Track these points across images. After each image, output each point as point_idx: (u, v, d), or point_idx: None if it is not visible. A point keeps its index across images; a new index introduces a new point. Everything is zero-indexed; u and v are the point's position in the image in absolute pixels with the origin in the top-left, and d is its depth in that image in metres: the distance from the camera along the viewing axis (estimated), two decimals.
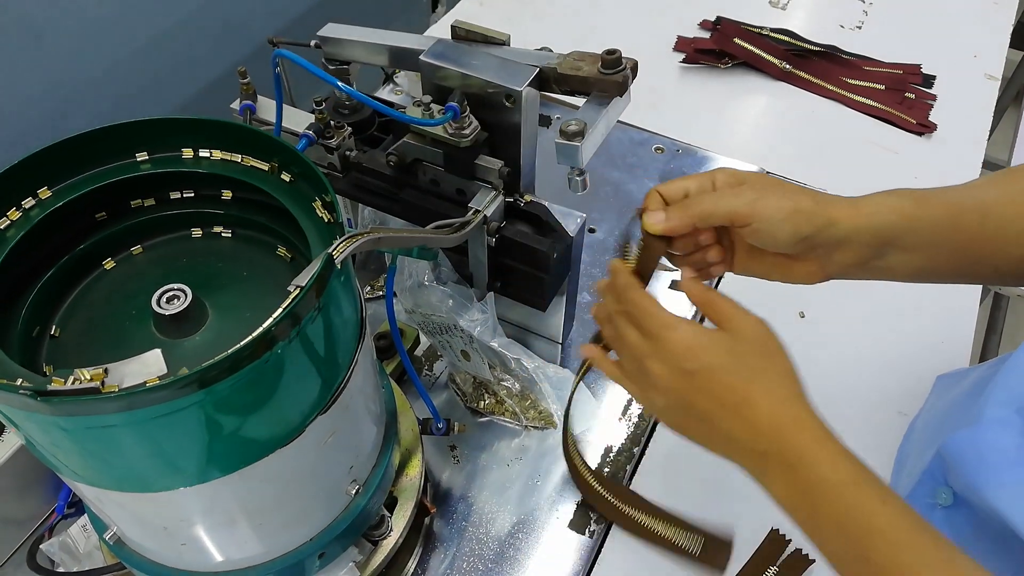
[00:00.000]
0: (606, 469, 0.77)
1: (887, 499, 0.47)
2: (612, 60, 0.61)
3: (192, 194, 0.55)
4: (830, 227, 0.55)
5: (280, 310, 0.40)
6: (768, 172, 1.07)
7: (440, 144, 0.64)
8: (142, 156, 0.52)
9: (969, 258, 0.59)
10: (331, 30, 0.71)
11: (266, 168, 0.52)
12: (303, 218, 0.49)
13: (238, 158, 0.53)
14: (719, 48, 1.22)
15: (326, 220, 0.49)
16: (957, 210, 0.58)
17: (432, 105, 0.62)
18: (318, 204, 0.50)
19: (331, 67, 0.73)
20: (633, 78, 0.63)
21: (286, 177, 0.52)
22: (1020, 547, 0.50)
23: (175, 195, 0.55)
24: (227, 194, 0.54)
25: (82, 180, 0.51)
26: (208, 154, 0.53)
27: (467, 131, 0.62)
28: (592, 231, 0.99)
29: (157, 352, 0.41)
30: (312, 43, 0.72)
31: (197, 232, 0.56)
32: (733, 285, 0.93)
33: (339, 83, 0.60)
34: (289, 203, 0.50)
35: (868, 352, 0.87)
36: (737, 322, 0.53)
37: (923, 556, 0.45)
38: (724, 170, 0.58)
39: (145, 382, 0.38)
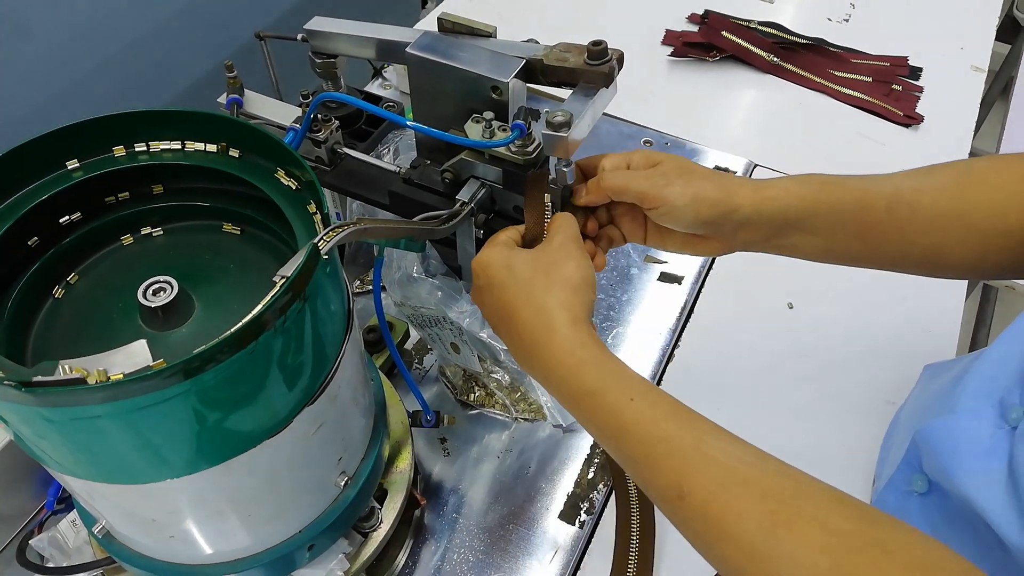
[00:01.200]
0: (596, 459, 0.78)
1: (635, 396, 0.49)
2: (598, 51, 0.61)
3: (178, 187, 0.54)
4: (731, 212, 0.58)
5: (265, 300, 0.41)
6: (756, 164, 1.07)
7: (500, 162, 0.62)
8: (124, 149, 0.52)
9: (873, 242, 0.61)
10: (318, 23, 0.71)
11: (251, 159, 0.52)
12: (288, 209, 0.49)
13: (221, 150, 0.53)
14: (707, 41, 1.22)
15: (293, 187, 0.49)
16: (865, 196, 0.60)
17: (494, 122, 0.61)
18: (281, 173, 0.50)
19: (318, 60, 0.73)
20: (619, 69, 0.63)
21: (271, 168, 0.52)
22: (991, 534, 0.51)
23: (161, 188, 0.55)
24: (215, 186, 0.54)
25: (67, 173, 0.51)
26: (194, 147, 0.53)
27: (531, 148, 0.61)
28: None
29: (142, 342, 0.41)
30: (299, 37, 0.72)
31: (185, 225, 0.56)
32: (725, 277, 0.94)
33: (408, 123, 0.61)
34: (274, 194, 0.50)
35: (856, 341, 0.88)
36: (545, 240, 0.58)
37: (674, 444, 0.47)
38: (640, 151, 0.62)
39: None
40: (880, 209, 0.60)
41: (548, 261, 0.55)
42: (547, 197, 0.60)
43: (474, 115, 0.62)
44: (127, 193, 0.54)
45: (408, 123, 0.61)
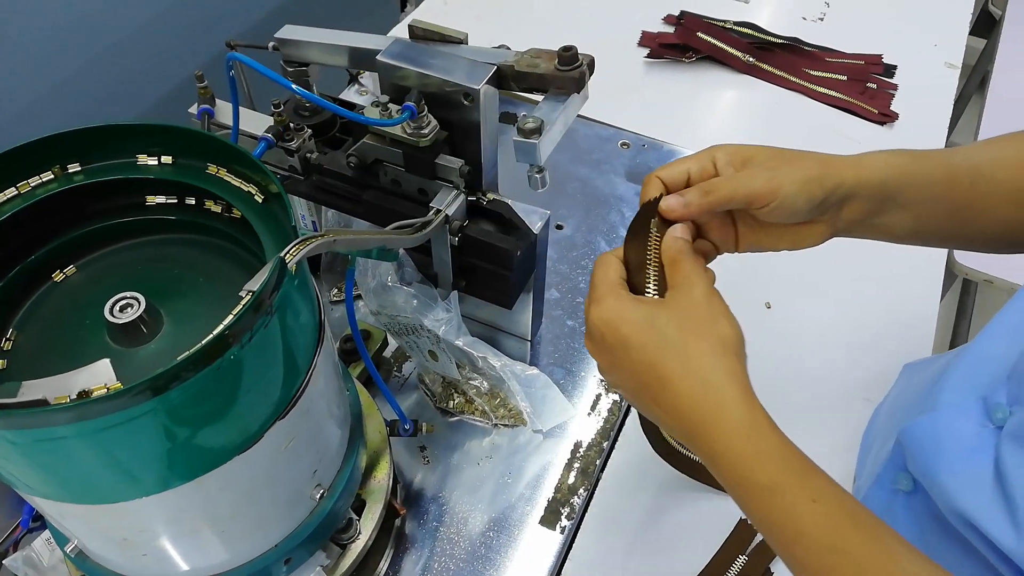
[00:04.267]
0: (576, 464, 0.77)
1: (818, 497, 0.45)
2: (568, 57, 0.61)
3: (145, 201, 0.54)
4: (838, 188, 0.54)
5: (231, 316, 0.40)
6: None
7: (400, 144, 0.64)
8: (89, 164, 0.52)
9: (960, 217, 0.59)
10: (288, 31, 0.71)
11: (215, 171, 0.52)
12: (256, 222, 0.49)
13: (190, 163, 0.52)
14: (683, 43, 1.22)
15: (260, 200, 0.49)
16: (951, 169, 0.58)
17: (390, 105, 0.62)
18: (250, 186, 0.50)
19: (290, 69, 0.73)
20: (590, 74, 0.63)
21: (236, 181, 0.51)
22: (975, 534, 0.51)
23: (129, 202, 0.54)
24: (183, 200, 0.54)
25: (33, 189, 0.50)
26: (160, 160, 0.52)
27: (426, 130, 0.62)
28: (560, 227, 0.99)
29: (106, 362, 0.41)
30: (270, 45, 0.71)
31: (153, 239, 0.55)
32: None
33: (293, 85, 0.60)
34: (242, 206, 0.50)
35: (832, 340, 0.88)
36: (679, 288, 0.51)
37: (851, 556, 0.43)
38: (722, 147, 0.56)
39: (92, 391, 0.38)
40: (965, 183, 0.58)
41: (698, 318, 0.49)
42: (654, 224, 0.53)
43: (374, 100, 0.62)
44: (96, 208, 0.53)
45: (293, 87, 0.60)
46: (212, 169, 0.52)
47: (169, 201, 0.54)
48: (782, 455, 0.46)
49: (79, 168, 0.52)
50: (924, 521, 0.57)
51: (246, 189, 0.51)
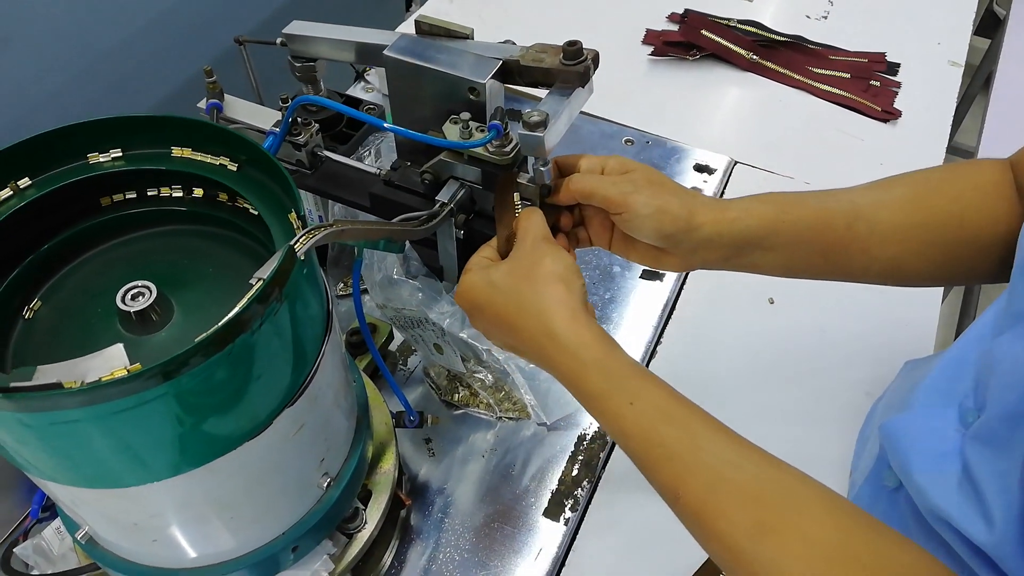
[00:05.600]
0: (580, 456, 0.78)
1: (635, 400, 0.50)
2: (573, 51, 0.62)
3: (157, 192, 0.55)
4: (693, 230, 0.59)
5: (241, 303, 0.41)
6: (737, 162, 1.08)
7: (479, 162, 0.63)
8: (105, 156, 0.53)
9: (835, 258, 0.62)
10: (296, 27, 0.71)
11: (228, 164, 0.52)
12: (266, 212, 0.50)
13: (202, 155, 0.53)
14: (687, 40, 1.23)
15: (271, 191, 0.50)
16: (824, 214, 0.61)
17: (471, 123, 0.61)
18: (260, 176, 0.51)
19: (297, 64, 0.73)
20: (595, 69, 0.64)
21: (250, 172, 0.52)
22: (949, 531, 0.52)
23: (139, 194, 0.55)
24: (196, 191, 0.55)
25: (46, 179, 0.51)
26: (173, 151, 0.53)
27: (508, 148, 0.61)
28: None
29: (119, 346, 0.41)
30: (278, 41, 0.72)
31: (164, 229, 0.56)
32: (706, 273, 0.95)
33: (386, 125, 0.61)
34: (252, 197, 0.50)
35: (836, 335, 0.89)
36: (516, 244, 0.58)
37: (670, 449, 0.49)
38: (616, 157, 0.63)
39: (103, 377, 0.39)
40: (840, 227, 0.61)
41: (526, 264, 0.56)
42: (516, 197, 0.61)
43: (452, 116, 0.62)
44: (107, 199, 0.54)
45: (385, 126, 0.61)
46: (224, 162, 0.53)
47: (182, 192, 0.54)
48: (603, 366, 0.52)
49: (100, 158, 0.52)
50: (908, 518, 0.58)
51: (218, 163, 0.52)
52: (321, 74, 0.74)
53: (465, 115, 0.61)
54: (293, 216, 0.49)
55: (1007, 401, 0.48)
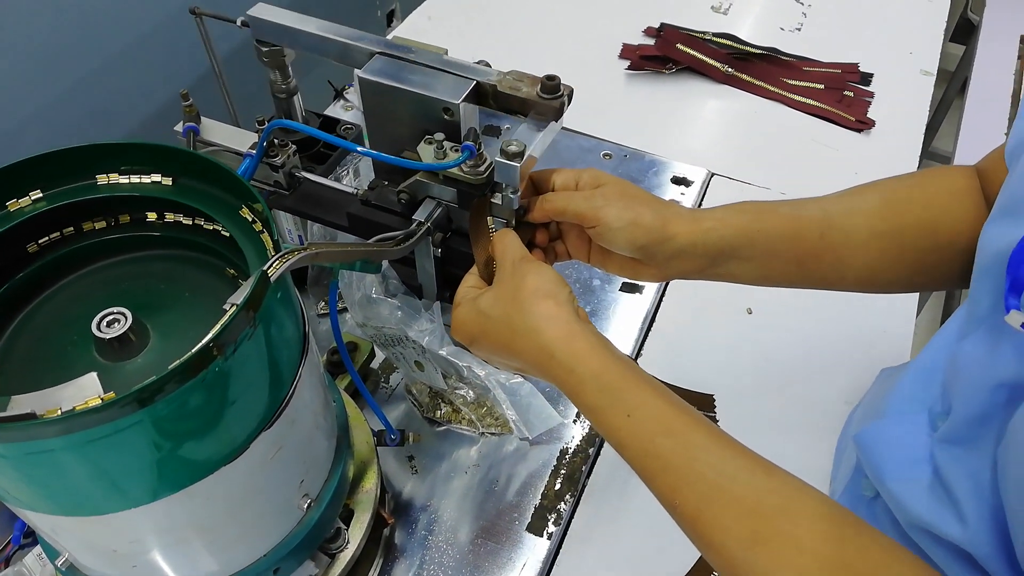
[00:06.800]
0: (562, 471, 0.78)
1: (632, 412, 0.51)
2: (552, 86, 0.62)
3: (130, 217, 0.55)
4: (667, 241, 0.60)
5: (214, 329, 0.41)
6: (715, 173, 1.09)
7: (454, 182, 0.63)
8: (74, 183, 0.53)
9: (809, 267, 0.63)
10: (260, 11, 0.70)
11: (163, 180, 0.53)
12: (240, 236, 0.50)
13: (172, 180, 0.53)
14: (663, 54, 1.24)
15: (248, 219, 0.50)
16: (798, 223, 0.62)
17: (445, 143, 0.62)
18: (245, 211, 0.51)
19: (264, 49, 0.73)
20: (568, 104, 0.64)
21: (187, 182, 0.53)
22: (924, 536, 0.52)
23: (114, 220, 0.55)
24: (169, 216, 0.55)
25: (23, 208, 0.51)
26: (143, 178, 0.53)
27: (482, 168, 0.62)
28: None
29: (93, 375, 0.41)
30: (239, 21, 0.70)
31: (139, 255, 0.56)
32: (685, 284, 0.96)
33: (359, 149, 0.62)
34: (226, 221, 0.51)
35: (814, 344, 0.90)
36: (497, 269, 0.59)
37: (667, 461, 0.49)
38: (591, 170, 0.64)
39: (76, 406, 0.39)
40: (813, 236, 0.62)
41: (510, 288, 0.56)
42: (490, 220, 0.62)
43: (426, 136, 0.63)
44: (78, 226, 0.54)
45: (359, 149, 0.62)
46: (197, 186, 0.53)
47: (156, 218, 0.55)
48: (600, 380, 0.52)
49: (73, 185, 0.53)
50: (887, 528, 0.58)
51: (150, 181, 0.52)
52: (290, 59, 0.74)
53: (439, 135, 0.62)
54: (246, 211, 0.49)
55: (971, 403, 0.49)
